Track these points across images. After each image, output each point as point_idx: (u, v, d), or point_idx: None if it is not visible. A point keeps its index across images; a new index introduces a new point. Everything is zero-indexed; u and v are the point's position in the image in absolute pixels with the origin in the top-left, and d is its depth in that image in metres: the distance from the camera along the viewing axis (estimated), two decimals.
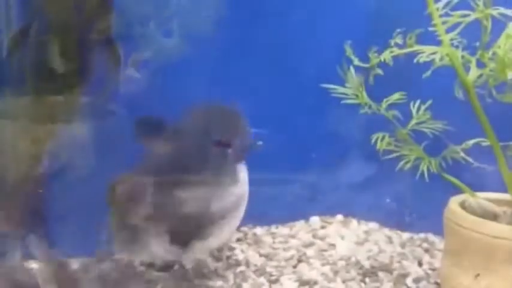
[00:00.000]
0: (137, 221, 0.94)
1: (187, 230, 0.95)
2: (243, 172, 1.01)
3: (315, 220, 1.23)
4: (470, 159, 0.88)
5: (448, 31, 0.81)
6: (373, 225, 1.23)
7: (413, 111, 0.91)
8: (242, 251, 1.13)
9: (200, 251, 1.00)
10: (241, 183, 1.00)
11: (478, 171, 0.88)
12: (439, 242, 1.14)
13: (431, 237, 1.18)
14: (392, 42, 0.83)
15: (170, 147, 0.96)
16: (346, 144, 1.18)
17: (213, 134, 0.98)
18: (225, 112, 1.03)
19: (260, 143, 1.02)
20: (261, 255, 1.11)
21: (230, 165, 0.99)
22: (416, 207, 1.19)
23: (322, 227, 1.21)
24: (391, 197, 1.20)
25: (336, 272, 1.02)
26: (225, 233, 1.01)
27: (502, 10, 0.77)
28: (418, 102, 0.91)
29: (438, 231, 1.05)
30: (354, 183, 1.22)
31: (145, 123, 0.96)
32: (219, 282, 1.01)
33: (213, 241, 0.99)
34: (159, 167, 0.96)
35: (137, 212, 0.93)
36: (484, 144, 0.85)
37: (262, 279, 1.01)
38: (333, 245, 1.13)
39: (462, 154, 0.88)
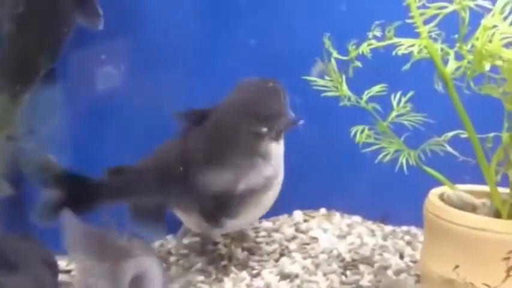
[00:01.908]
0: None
1: (215, 209, 0.96)
2: (277, 152, 1.00)
3: (298, 214, 1.23)
4: (453, 151, 0.88)
5: (427, 23, 0.81)
6: (356, 218, 1.23)
7: (394, 103, 0.91)
8: (225, 245, 1.13)
9: (230, 227, 1.02)
10: (273, 164, 0.99)
11: (458, 163, 0.88)
12: (421, 235, 1.14)
13: (413, 229, 1.18)
14: (370, 34, 0.83)
15: (206, 125, 0.97)
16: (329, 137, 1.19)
17: (253, 109, 0.99)
18: (267, 87, 1.03)
19: (302, 121, 1.01)
20: (243, 249, 1.10)
21: (263, 146, 0.98)
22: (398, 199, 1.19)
23: (305, 221, 1.22)
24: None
25: (317, 265, 1.02)
26: (253, 213, 1.01)
27: (480, 2, 0.77)
28: (398, 95, 0.91)
29: (421, 223, 1.05)
30: (338, 176, 1.22)
31: (187, 117, 0.98)
32: (201, 277, 1.00)
33: (242, 220, 1.00)
34: (192, 145, 0.97)
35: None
36: (463, 136, 0.85)
37: (244, 274, 1.01)
38: (315, 239, 1.13)
39: (446, 146, 0.88)
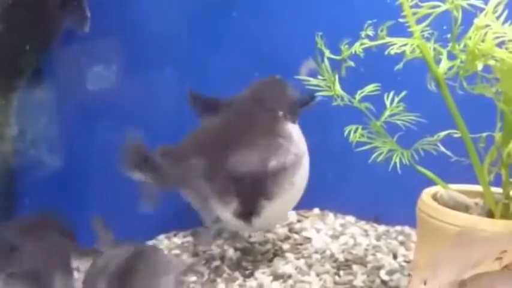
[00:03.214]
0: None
1: (251, 190, 0.95)
2: (297, 133, 1.02)
3: (292, 214, 1.23)
4: (446, 151, 0.88)
5: (420, 23, 0.80)
6: (349, 218, 1.23)
7: (387, 103, 0.90)
8: (218, 245, 1.12)
9: (270, 214, 0.99)
10: (296, 143, 1.00)
11: (453, 163, 0.88)
12: (414, 235, 1.14)
13: (407, 229, 1.18)
14: (363, 34, 0.83)
15: (223, 116, 0.99)
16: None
17: (267, 95, 1.02)
18: (273, 78, 1.06)
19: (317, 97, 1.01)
20: (236, 249, 1.10)
21: (284, 128, 0.99)
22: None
23: (299, 221, 1.21)
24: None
25: (310, 266, 1.02)
26: (289, 194, 1.00)
27: (472, 1, 0.77)
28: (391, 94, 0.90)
29: (415, 223, 1.05)
30: (331, 176, 1.22)
31: (200, 102, 1.00)
32: (193, 278, 1.00)
33: (280, 203, 0.98)
34: (212, 134, 0.98)
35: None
36: (456, 135, 0.85)
37: (236, 274, 1.00)
38: (308, 239, 1.13)
39: (439, 146, 0.88)
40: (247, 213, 0.97)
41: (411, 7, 0.79)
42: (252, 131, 0.98)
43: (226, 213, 0.98)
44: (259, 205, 0.97)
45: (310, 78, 0.91)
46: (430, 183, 0.89)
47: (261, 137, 0.98)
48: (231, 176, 0.95)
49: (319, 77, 0.90)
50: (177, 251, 1.11)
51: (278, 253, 1.08)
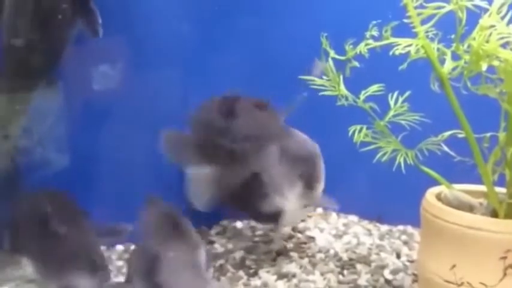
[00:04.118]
0: None
1: (309, 173, 0.98)
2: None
3: None
4: (450, 151, 0.88)
5: (424, 23, 0.81)
6: (352, 217, 1.24)
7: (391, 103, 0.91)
8: (222, 244, 1.13)
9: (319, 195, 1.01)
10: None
11: (458, 163, 0.88)
12: (417, 234, 1.15)
13: (410, 229, 1.19)
14: (367, 34, 0.83)
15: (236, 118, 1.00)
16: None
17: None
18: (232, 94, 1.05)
19: (305, 94, 1.02)
20: (240, 248, 1.10)
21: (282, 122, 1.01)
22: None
23: (302, 220, 1.21)
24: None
25: (314, 265, 1.02)
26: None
27: (477, 2, 0.77)
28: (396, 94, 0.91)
29: (417, 223, 1.06)
30: (334, 175, 1.22)
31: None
32: None
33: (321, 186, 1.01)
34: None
35: None
36: (460, 136, 0.86)
37: (241, 273, 1.01)
38: (312, 238, 1.13)
39: (443, 146, 0.88)
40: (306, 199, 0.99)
41: (416, 8, 0.80)
42: (277, 127, 1.00)
43: (291, 196, 0.98)
44: (316, 187, 0.98)
45: (316, 78, 0.91)
46: (433, 183, 0.89)
47: (286, 131, 0.99)
48: (293, 160, 0.96)
49: (324, 77, 0.90)
50: None
51: (282, 252, 1.08)
